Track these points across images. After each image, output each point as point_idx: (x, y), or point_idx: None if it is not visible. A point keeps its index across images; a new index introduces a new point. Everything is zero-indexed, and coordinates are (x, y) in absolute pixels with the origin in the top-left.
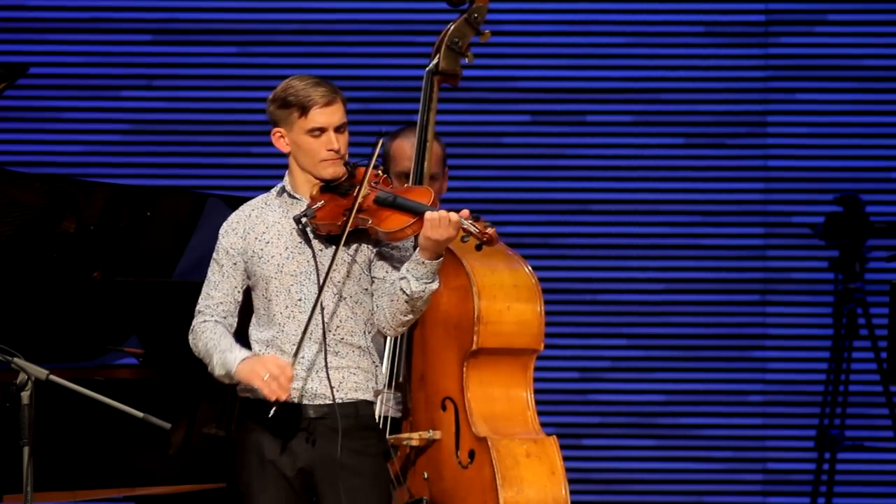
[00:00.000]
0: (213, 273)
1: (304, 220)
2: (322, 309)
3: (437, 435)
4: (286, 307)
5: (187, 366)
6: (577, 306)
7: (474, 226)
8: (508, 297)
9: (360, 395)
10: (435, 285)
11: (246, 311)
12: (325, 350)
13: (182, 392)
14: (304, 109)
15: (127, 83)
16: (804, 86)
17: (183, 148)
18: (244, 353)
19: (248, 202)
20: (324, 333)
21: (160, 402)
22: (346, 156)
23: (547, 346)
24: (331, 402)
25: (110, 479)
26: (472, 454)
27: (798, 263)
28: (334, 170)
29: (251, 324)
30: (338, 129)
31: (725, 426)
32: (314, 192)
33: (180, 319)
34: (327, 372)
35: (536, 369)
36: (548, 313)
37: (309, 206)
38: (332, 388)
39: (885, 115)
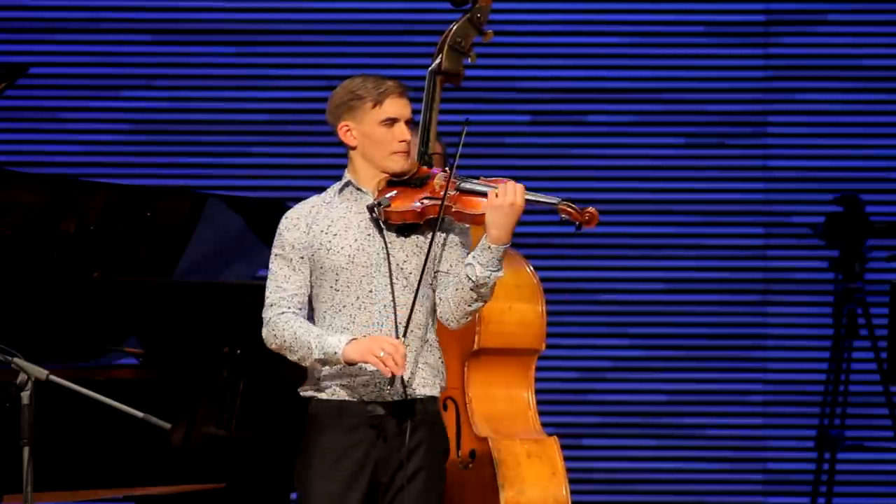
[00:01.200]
0: (280, 268)
1: (377, 209)
2: (394, 302)
3: None
4: (357, 298)
5: (187, 366)
6: (578, 306)
7: (571, 206)
8: (510, 298)
9: (428, 392)
10: (500, 273)
11: None
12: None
13: (182, 392)
14: (378, 99)
15: (127, 83)
16: (804, 86)
17: (183, 148)
18: (346, 335)
19: (304, 201)
20: (396, 328)
21: (160, 402)
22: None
23: (547, 346)
24: (400, 398)
25: (110, 479)
26: (473, 454)
27: (798, 263)
28: (403, 163)
29: (321, 314)
30: (407, 123)
31: (725, 426)
32: (381, 186)
33: (180, 320)
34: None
35: (537, 369)
36: (548, 313)
37: (380, 197)
38: (404, 383)
39: (885, 115)
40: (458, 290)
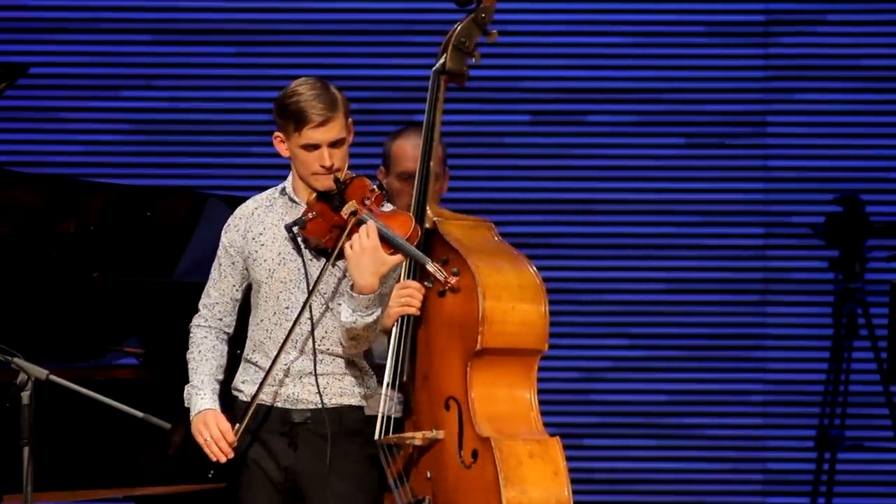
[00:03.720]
0: (214, 270)
1: (294, 229)
2: (312, 318)
3: (440, 435)
4: (274, 313)
5: (187, 366)
6: (579, 306)
7: (440, 270)
8: (513, 298)
9: (346, 401)
10: (370, 318)
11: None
12: (315, 359)
13: (182, 392)
14: (298, 124)
15: (127, 83)
16: (804, 86)
17: (183, 148)
18: (206, 402)
19: (256, 197)
20: (313, 343)
21: (160, 402)
22: (344, 168)
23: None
24: (314, 406)
25: (110, 479)
26: (475, 454)
27: (798, 263)
28: (326, 183)
29: (250, 319)
30: (334, 145)
31: (725, 426)
32: (310, 199)
33: (180, 319)
34: (316, 379)
35: (538, 369)
36: (550, 313)
37: (301, 216)
38: (319, 393)
39: (885, 115)
40: (339, 326)
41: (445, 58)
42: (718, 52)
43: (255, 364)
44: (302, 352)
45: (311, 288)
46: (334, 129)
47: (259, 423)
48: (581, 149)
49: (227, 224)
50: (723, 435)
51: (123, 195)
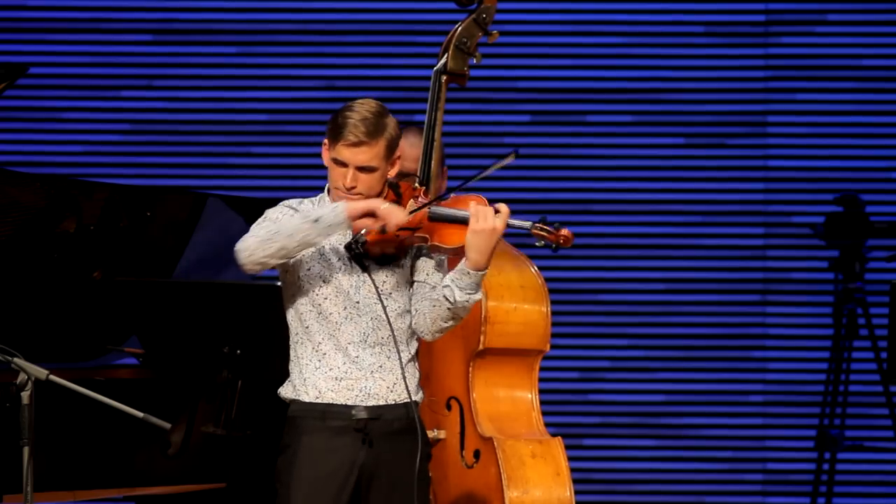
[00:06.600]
0: (281, 214)
1: (355, 245)
2: (387, 315)
3: (443, 435)
4: (344, 308)
5: (187, 366)
6: (578, 306)
7: (544, 229)
8: (515, 298)
9: (411, 397)
10: (478, 296)
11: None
12: (401, 357)
13: (182, 392)
14: (334, 138)
15: (127, 83)
16: (804, 86)
17: (183, 148)
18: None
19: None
20: (396, 344)
21: (160, 402)
22: (371, 195)
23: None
24: (384, 403)
25: (110, 479)
26: (477, 454)
27: (798, 263)
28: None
29: (293, 313)
30: (363, 170)
31: (725, 426)
32: None
33: (180, 319)
34: (404, 373)
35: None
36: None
37: (355, 234)
38: (407, 389)
39: (885, 115)
40: (435, 307)
41: (447, 58)
42: (718, 52)
43: (322, 354)
44: (374, 347)
45: (379, 290)
46: (365, 155)
47: (324, 420)
48: (581, 149)
49: (288, 203)
50: (723, 435)
51: (123, 195)
